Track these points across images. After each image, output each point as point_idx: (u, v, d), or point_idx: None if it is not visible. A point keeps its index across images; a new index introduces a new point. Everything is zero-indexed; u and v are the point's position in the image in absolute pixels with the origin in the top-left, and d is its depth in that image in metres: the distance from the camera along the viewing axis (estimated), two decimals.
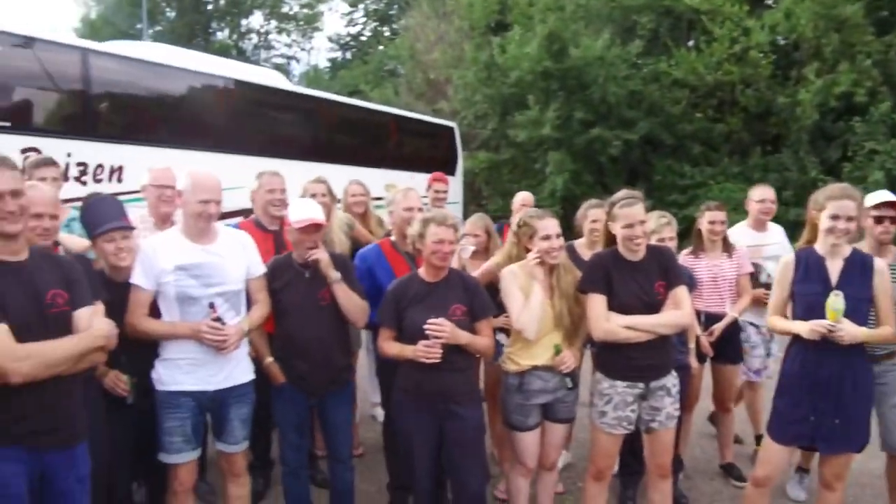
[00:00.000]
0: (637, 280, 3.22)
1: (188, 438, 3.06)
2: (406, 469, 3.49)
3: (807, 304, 3.17)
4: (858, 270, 3.16)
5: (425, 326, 3.07)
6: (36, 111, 7.46)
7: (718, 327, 4.30)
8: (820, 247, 3.24)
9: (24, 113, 7.28)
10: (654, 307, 3.21)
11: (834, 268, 3.17)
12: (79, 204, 3.63)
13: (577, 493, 4.20)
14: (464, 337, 3.13)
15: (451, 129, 14.73)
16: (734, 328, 4.41)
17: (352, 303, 3.32)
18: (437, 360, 3.06)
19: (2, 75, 7.20)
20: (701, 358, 4.25)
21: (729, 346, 4.40)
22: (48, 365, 2.30)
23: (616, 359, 3.24)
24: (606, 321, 3.18)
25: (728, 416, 4.64)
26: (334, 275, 3.26)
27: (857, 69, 13.07)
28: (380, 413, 4.63)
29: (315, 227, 3.23)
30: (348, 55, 32.83)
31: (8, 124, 6.93)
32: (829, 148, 13.91)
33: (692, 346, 4.06)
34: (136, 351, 2.96)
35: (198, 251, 3.05)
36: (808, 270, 3.22)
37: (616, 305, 3.20)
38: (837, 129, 13.75)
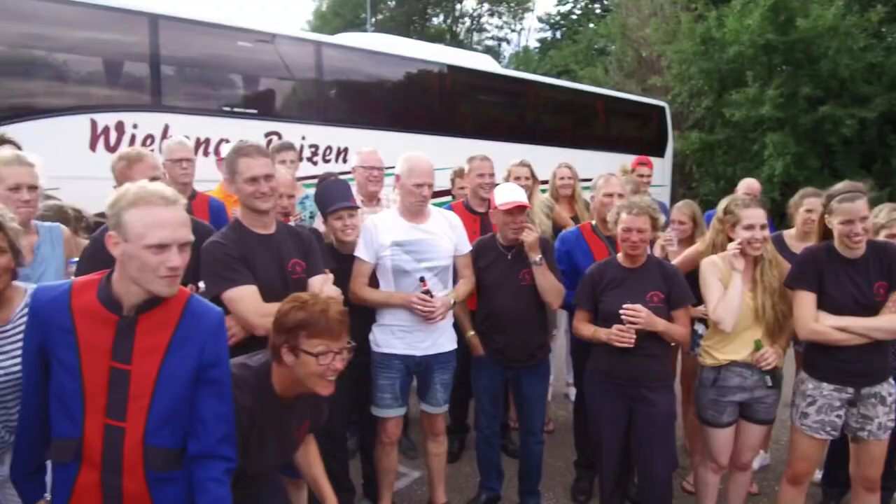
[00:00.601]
0: (853, 279, 2.99)
1: (396, 396, 3.41)
2: (594, 449, 3.60)
3: None
4: None
5: (621, 311, 3.13)
6: (277, 99, 8.44)
7: None
8: None
9: (267, 101, 8.29)
10: (871, 309, 2.97)
11: None
12: (310, 182, 4.13)
13: (772, 496, 4.01)
14: (660, 324, 3.15)
15: (661, 109, 14.18)
16: None
17: (548, 284, 3.47)
18: (630, 345, 3.11)
19: (250, 68, 8.25)
20: None
21: None
22: None
23: (824, 359, 3.06)
24: (815, 321, 3.01)
25: None
26: (536, 256, 3.43)
27: None
28: (572, 392, 4.75)
29: (519, 210, 3.41)
30: (558, 35, 32.63)
31: (255, 111, 7.93)
32: None
33: None
34: (358, 315, 3.35)
35: (412, 229, 3.37)
36: None
37: (827, 305, 3.01)
38: None
